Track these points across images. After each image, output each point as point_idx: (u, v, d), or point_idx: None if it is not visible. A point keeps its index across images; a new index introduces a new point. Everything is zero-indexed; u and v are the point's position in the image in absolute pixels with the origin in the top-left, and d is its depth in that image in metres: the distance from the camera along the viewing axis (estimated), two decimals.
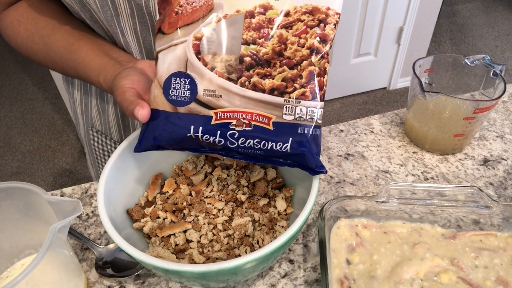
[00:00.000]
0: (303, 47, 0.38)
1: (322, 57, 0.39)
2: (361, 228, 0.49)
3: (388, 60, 2.21)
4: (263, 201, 0.49)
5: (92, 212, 0.57)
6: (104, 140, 0.71)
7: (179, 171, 0.53)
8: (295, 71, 0.38)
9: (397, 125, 0.71)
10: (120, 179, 0.46)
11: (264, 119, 0.38)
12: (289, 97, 0.38)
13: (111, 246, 0.51)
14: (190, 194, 0.51)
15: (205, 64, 0.38)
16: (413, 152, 0.65)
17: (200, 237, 0.46)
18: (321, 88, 0.39)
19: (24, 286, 0.35)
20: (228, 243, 0.46)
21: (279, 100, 0.38)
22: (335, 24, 0.38)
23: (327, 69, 0.39)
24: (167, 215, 0.47)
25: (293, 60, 0.38)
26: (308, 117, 0.38)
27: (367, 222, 0.49)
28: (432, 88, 0.67)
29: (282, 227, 0.47)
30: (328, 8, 0.38)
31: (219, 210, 0.48)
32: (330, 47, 0.39)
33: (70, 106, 0.75)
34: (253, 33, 0.38)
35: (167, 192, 0.51)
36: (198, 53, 0.38)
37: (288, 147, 0.38)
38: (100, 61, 0.50)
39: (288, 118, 0.38)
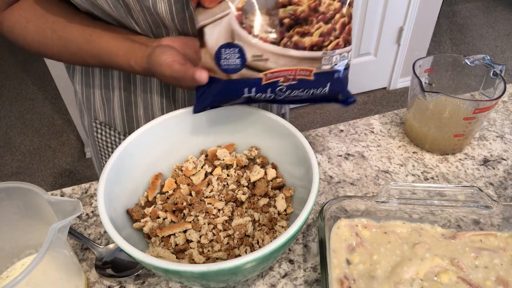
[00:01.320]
0: (334, 0, 0.41)
1: (349, 4, 0.42)
2: (361, 228, 0.49)
3: (388, 60, 2.21)
4: (263, 201, 0.49)
5: (92, 212, 0.57)
6: (108, 131, 0.71)
7: (179, 171, 0.53)
8: (329, 25, 0.42)
9: (397, 125, 0.71)
10: (120, 179, 0.46)
11: (306, 72, 0.43)
12: (327, 50, 0.42)
13: (111, 246, 0.51)
14: (190, 194, 0.51)
15: (250, 32, 0.41)
16: (413, 152, 0.65)
17: (200, 237, 0.46)
18: (350, 34, 0.43)
19: (24, 286, 0.35)
20: (228, 243, 0.46)
21: (318, 54, 0.42)
22: None
23: (352, 14, 0.43)
24: (167, 215, 0.47)
25: (327, 14, 0.41)
26: (341, 62, 0.44)
27: (367, 222, 0.49)
28: (432, 88, 0.67)
29: (282, 227, 0.47)
30: None
31: (219, 210, 0.48)
32: None
33: (75, 97, 0.75)
34: None
35: (167, 192, 0.51)
36: (241, 23, 0.41)
37: (327, 90, 0.45)
38: (125, 46, 0.52)
39: (326, 67, 0.43)
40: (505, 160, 0.63)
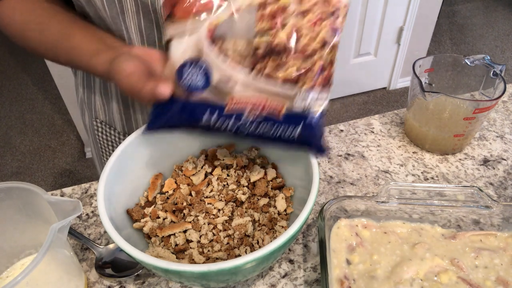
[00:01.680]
0: (315, 38, 0.38)
1: (332, 49, 0.39)
2: (361, 228, 0.49)
3: (388, 60, 2.21)
4: (263, 201, 0.49)
5: (92, 212, 0.57)
6: (108, 131, 0.71)
7: (179, 171, 0.53)
8: (307, 63, 0.39)
9: (397, 125, 0.71)
10: (120, 179, 0.46)
11: (275, 109, 0.39)
12: (300, 89, 0.39)
13: (111, 246, 0.51)
14: (190, 194, 0.51)
15: (220, 53, 0.39)
16: (413, 152, 0.65)
17: (200, 237, 0.46)
18: (329, 79, 0.40)
19: (24, 286, 0.35)
20: (228, 243, 0.46)
21: (290, 91, 0.39)
22: (344, 16, 0.39)
23: (334, 60, 0.40)
24: (167, 215, 0.47)
25: (305, 52, 0.38)
26: (316, 107, 0.40)
27: (367, 222, 0.49)
28: (432, 88, 0.67)
29: (282, 227, 0.47)
30: (339, 0, 0.38)
31: (219, 210, 0.48)
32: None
33: (76, 95, 0.75)
34: (266, 23, 0.38)
35: (167, 192, 0.51)
36: (213, 41, 0.39)
37: (296, 134, 0.40)
38: (93, 46, 0.50)
39: (298, 108, 0.40)
40: (505, 160, 0.63)
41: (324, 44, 0.38)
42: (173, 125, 0.42)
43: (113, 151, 0.73)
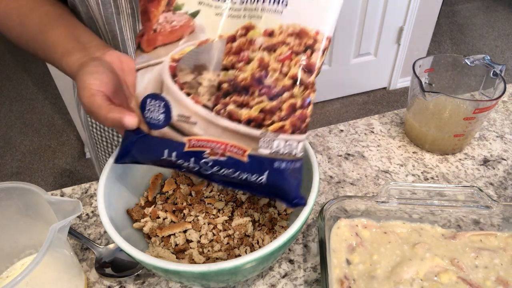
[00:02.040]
0: (285, 75, 0.35)
1: (306, 87, 0.35)
2: (361, 228, 0.49)
3: (388, 60, 2.20)
4: (263, 201, 0.49)
5: (92, 212, 0.57)
6: (102, 127, 0.71)
7: (179, 171, 0.53)
8: (274, 102, 0.35)
9: (397, 125, 0.71)
10: (121, 179, 0.46)
11: (238, 150, 0.36)
12: (267, 130, 0.35)
13: (111, 246, 0.51)
14: (190, 194, 0.51)
15: (181, 88, 0.36)
16: (413, 152, 0.65)
17: (200, 237, 0.46)
18: (303, 121, 0.36)
19: (24, 286, 0.35)
20: (228, 243, 0.46)
21: (255, 132, 0.35)
22: (323, 51, 0.35)
23: (311, 99, 0.36)
24: (167, 215, 0.47)
25: (274, 90, 0.35)
26: (286, 151, 0.36)
27: (367, 222, 0.49)
28: (432, 88, 0.67)
29: (282, 227, 0.47)
30: (317, 32, 0.34)
31: (219, 210, 0.48)
32: (317, 75, 0.35)
33: (73, 89, 0.75)
34: (233, 57, 0.35)
35: (167, 192, 0.51)
36: (174, 75, 0.36)
37: (264, 180, 0.36)
38: (67, 44, 0.48)
39: (264, 152, 0.36)
40: (505, 160, 0.63)
41: (295, 81, 0.35)
42: (139, 159, 0.40)
43: (107, 147, 0.73)
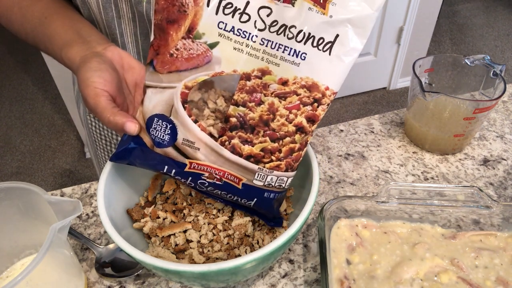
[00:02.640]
0: (290, 122, 0.38)
1: (306, 134, 0.39)
2: (361, 228, 0.49)
3: (388, 60, 2.20)
4: None
5: (92, 212, 0.57)
6: (101, 125, 0.71)
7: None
8: (275, 144, 0.38)
9: (397, 125, 0.71)
10: (121, 179, 0.46)
11: (235, 179, 0.39)
12: (264, 166, 0.39)
13: (111, 246, 0.51)
14: (190, 194, 0.51)
15: (190, 115, 0.38)
16: (413, 152, 0.65)
17: (200, 237, 0.46)
18: (297, 161, 0.40)
19: (24, 286, 0.35)
20: (228, 243, 0.46)
21: (253, 166, 0.39)
22: (328, 104, 0.38)
23: (308, 142, 0.40)
24: (167, 215, 0.47)
25: (277, 133, 0.38)
26: (276, 184, 0.40)
27: (367, 222, 0.49)
28: (432, 88, 0.67)
29: (282, 227, 0.47)
30: (327, 88, 0.37)
31: (219, 210, 0.48)
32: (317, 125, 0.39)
33: (73, 87, 0.75)
34: (245, 95, 0.37)
35: (167, 192, 0.51)
36: (185, 102, 0.38)
37: (252, 204, 0.41)
38: (67, 36, 0.48)
39: (258, 183, 0.40)
40: (505, 160, 0.63)
41: (299, 129, 0.38)
42: (136, 164, 0.41)
43: (106, 145, 0.73)
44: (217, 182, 0.40)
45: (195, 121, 0.38)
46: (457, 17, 2.95)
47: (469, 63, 0.63)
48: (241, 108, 0.37)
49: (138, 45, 0.54)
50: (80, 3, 0.50)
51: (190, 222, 0.47)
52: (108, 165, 0.44)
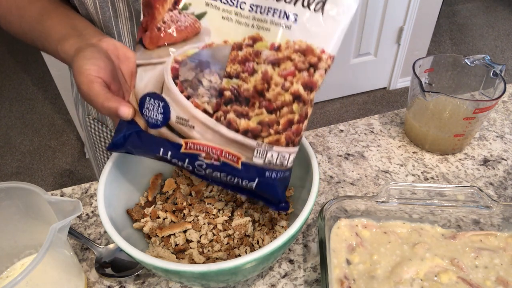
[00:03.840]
0: (287, 91, 0.35)
1: (305, 104, 0.36)
2: (361, 228, 0.49)
3: (388, 60, 2.20)
4: None
5: (92, 212, 0.57)
6: (100, 128, 0.71)
7: (179, 171, 0.53)
8: (273, 116, 0.36)
9: (397, 125, 0.71)
10: (120, 179, 0.46)
11: (233, 157, 0.37)
12: (262, 141, 0.36)
13: (111, 246, 0.51)
14: (190, 194, 0.51)
15: (182, 91, 0.36)
16: (413, 152, 0.65)
17: (200, 237, 0.46)
18: (298, 134, 0.37)
19: (24, 286, 0.35)
20: (228, 243, 0.46)
21: (251, 142, 0.36)
22: (326, 69, 0.35)
23: (308, 114, 0.37)
24: (167, 215, 0.47)
25: (274, 103, 0.35)
26: (278, 162, 0.37)
27: (367, 222, 0.49)
28: (432, 88, 0.67)
29: (282, 227, 0.47)
30: (323, 51, 0.34)
31: (219, 210, 0.48)
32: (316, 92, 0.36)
33: (71, 89, 0.75)
34: (238, 66, 0.35)
35: (167, 192, 0.51)
36: (176, 77, 0.36)
37: (254, 185, 0.38)
38: (62, 30, 0.48)
39: (258, 161, 0.37)
40: (505, 160, 0.63)
41: (296, 98, 0.35)
42: (133, 151, 0.40)
43: (105, 147, 0.73)
44: (215, 163, 0.37)
45: (188, 97, 0.36)
46: (457, 17, 2.95)
47: (469, 63, 0.63)
48: (234, 80, 0.35)
49: (135, 44, 0.54)
50: (77, 3, 0.51)
51: (190, 222, 0.47)
52: (108, 165, 0.44)
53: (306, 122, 0.37)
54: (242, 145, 0.36)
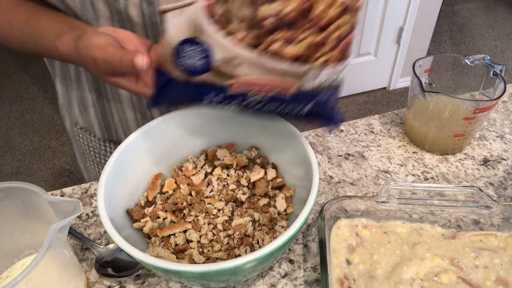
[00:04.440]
0: (333, 4, 0.31)
1: (353, 11, 0.32)
2: (361, 228, 0.49)
3: (388, 60, 2.20)
4: (263, 201, 0.49)
5: (92, 212, 0.57)
6: (88, 137, 0.71)
7: (179, 171, 0.53)
8: (323, 35, 0.32)
9: (397, 125, 0.71)
10: (120, 179, 0.46)
11: (283, 89, 0.35)
12: (313, 65, 0.33)
13: (111, 246, 0.51)
14: (190, 194, 0.51)
15: (220, 29, 0.33)
16: (413, 152, 0.65)
17: (200, 237, 0.46)
18: (348, 45, 0.33)
19: (24, 286, 0.35)
20: (228, 243, 0.46)
21: (301, 68, 0.34)
22: None
23: (356, 24, 0.33)
24: (167, 215, 0.47)
25: (320, 23, 0.32)
26: (331, 81, 0.35)
27: (367, 222, 0.49)
28: (432, 88, 0.67)
29: (282, 227, 0.47)
30: None
31: (219, 210, 0.48)
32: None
33: (58, 100, 0.74)
34: None
35: (167, 192, 0.51)
36: (212, 15, 0.33)
37: (305, 111, 0.36)
38: (58, 27, 0.48)
39: (310, 86, 0.34)
40: (505, 160, 0.63)
41: (344, 10, 0.31)
42: (175, 103, 0.39)
43: (95, 157, 0.73)
44: (264, 98, 0.35)
45: (228, 34, 0.33)
46: (457, 17, 2.95)
47: (469, 63, 0.63)
48: (273, 5, 0.32)
49: None
50: (64, 7, 0.51)
51: (190, 222, 0.47)
52: (108, 165, 0.44)
53: (354, 32, 0.34)
54: (292, 74, 0.34)
